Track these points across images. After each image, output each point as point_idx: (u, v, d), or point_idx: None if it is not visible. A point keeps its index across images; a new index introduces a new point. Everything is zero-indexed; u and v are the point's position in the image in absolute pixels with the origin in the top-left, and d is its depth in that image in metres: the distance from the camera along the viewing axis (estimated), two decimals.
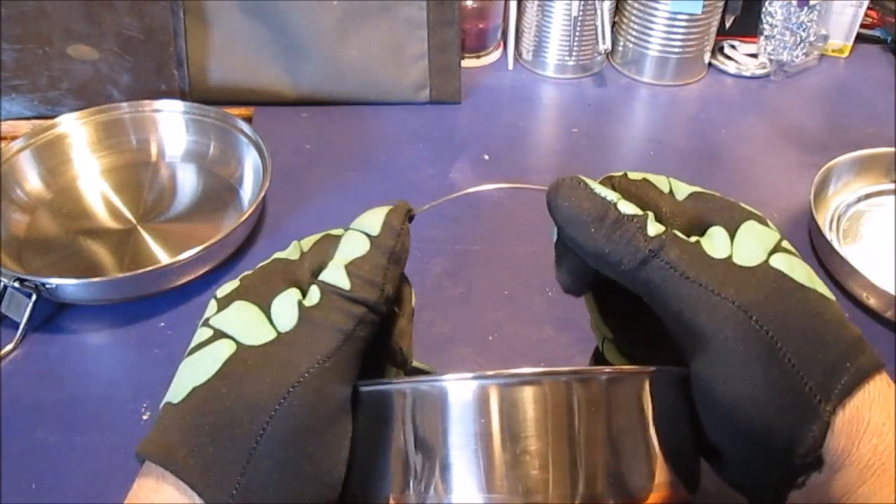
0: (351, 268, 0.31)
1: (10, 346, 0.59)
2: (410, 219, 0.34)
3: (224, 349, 0.29)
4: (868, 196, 0.74)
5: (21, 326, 0.59)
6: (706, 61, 0.96)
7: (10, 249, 0.66)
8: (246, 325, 0.30)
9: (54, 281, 0.58)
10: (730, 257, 0.30)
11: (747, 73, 0.96)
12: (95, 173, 0.76)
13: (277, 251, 0.34)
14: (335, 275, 0.31)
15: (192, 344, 0.31)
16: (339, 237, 0.33)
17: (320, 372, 0.29)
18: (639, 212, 0.31)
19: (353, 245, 0.32)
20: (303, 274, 0.32)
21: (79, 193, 0.74)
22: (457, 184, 0.77)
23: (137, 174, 0.76)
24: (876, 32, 1.02)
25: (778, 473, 0.30)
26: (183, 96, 0.83)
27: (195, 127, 0.77)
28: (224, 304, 0.31)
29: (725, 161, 0.82)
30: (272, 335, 0.29)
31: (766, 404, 0.29)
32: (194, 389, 0.29)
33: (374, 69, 0.85)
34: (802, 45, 0.93)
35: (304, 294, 0.31)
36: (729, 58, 0.97)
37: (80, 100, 0.80)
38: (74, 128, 0.75)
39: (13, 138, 0.73)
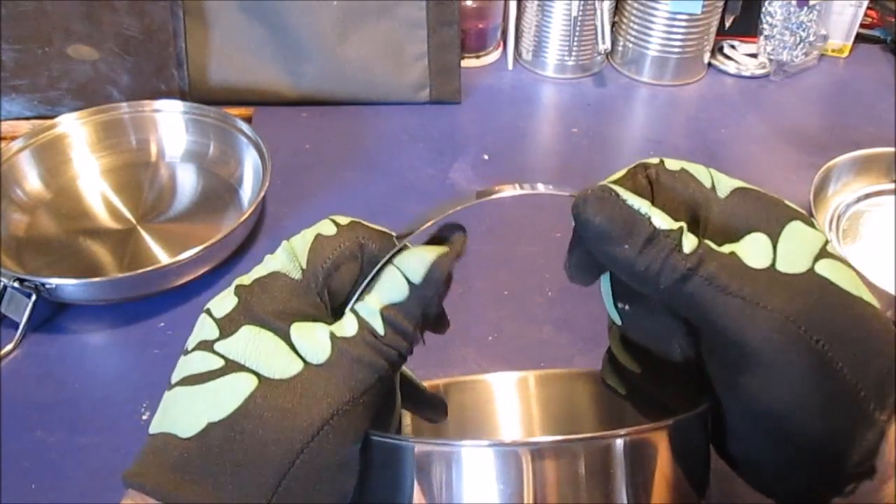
0: (386, 313, 0.30)
1: (10, 346, 0.59)
2: (459, 257, 0.33)
3: (244, 383, 0.28)
4: (868, 196, 0.74)
5: (21, 326, 0.59)
6: (706, 61, 0.96)
7: (10, 249, 0.66)
8: (267, 356, 0.28)
9: (54, 281, 0.58)
10: (772, 265, 0.29)
11: (747, 73, 0.96)
12: (95, 173, 0.76)
13: (269, 254, 0.32)
14: (370, 316, 0.30)
15: (194, 370, 0.29)
16: (332, 237, 0.32)
17: (353, 408, 0.28)
18: (674, 225, 0.30)
19: (392, 288, 0.30)
20: (310, 294, 0.30)
21: (79, 193, 0.74)
22: (457, 184, 0.77)
23: (137, 174, 0.76)
24: (876, 32, 1.02)
25: (825, 481, 0.30)
26: (183, 96, 0.83)
27: (195, 127, 0.77)
28: (229, 327, 0.29)
29: (725, 161, 0.82)
30: (299, 366, 0.28)
31: (819, 413, 0.28)
32: (211, 425, 0.27)
33: (374, 69, 0.85)
34: (802, 45, 0.93)
35: (323, 320, 0.30)
36: (729, 58, 0.97)
37: (79, 100, 0.80)
38: (74, 128, 0.75)
39: (13, 138, 0.73)
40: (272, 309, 0.29)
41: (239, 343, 0.28)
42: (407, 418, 0.42)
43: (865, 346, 0.28)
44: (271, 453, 0.27)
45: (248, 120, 0.81)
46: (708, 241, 0.30)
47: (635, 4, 0.90)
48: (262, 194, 0.67)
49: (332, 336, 0.29)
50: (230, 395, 0.27)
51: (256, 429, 0.27)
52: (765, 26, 0.93)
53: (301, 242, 0.32)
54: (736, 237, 0.31)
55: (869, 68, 0.99)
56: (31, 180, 0.73)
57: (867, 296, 0.30)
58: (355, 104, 0.87)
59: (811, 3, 0.90)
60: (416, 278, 0.31)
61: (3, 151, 0.71)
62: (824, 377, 0.28)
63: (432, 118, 0.86)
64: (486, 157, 0.81)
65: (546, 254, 0.68)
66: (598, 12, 0.89)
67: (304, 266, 0.31)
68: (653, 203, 0.31)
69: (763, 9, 0.92)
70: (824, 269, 0.29)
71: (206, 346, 0.29)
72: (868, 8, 0.97)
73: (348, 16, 0.83)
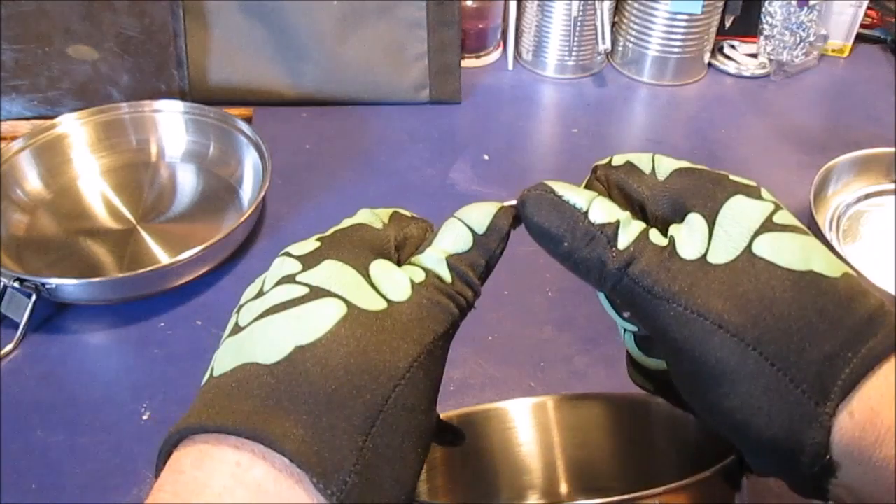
0: (451, 262, 0.29)
1: (10, 346, 0.59)
2: (516, 223, 0.32)
3: (334, 308, 0.26)
4: (868, 196, 0.74)
5: (21, 326, 0.59)
6: (706, 61, 0.96)
7: (10, 249, 0.66)
8: (353, 286, 0.27)
9: (54, 281, 0.58)
10: (705, 255, 0.28)
11: (747, 73, 0.96)
12: (95, 173, 0.76)
13: (347, 217, 0.31)
14: (437, 265, 0.29)
15: (275, 301, 0.27)
16: (410, 217, 0.32)
17: (434, 350, 0.27)
18: (611, 217, 0.29)
19: (456, 237, 0.30)
20: (389, 245, 0.30)
21: (79, 193, 0.74)
22: (457, 184, 0.77)
23: (137, 174, 0.76)
24: (876, 32, 1.02)
25: (801, 479, 0.27)
26: (183, 96, 0.83)
27: (195, 127, 0.77)
28: (311, 261, 0.28)
29: (725, 161, 0.82)
30: (383, 303, 0.27)
31: (764, 417, 0.26)
32: (298, 349, 0.25)
33: (374, 69, 0.85)
34: (802, 45, 0.93)
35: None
36: (729, 58, 0.97)
37: (80, 100, 0.80)
38: (74, 128, 0.75)
39: (13, 138, 0.73)
40: (352, 249, 0.29)
41: (323, 272, 0.27)
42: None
43: (804, 333, 0.26)
44: (366, 386, 0.25)
45: (248, 120, 0.81)
46: (653, 231, 0.29)
47: (635, 4, 0.90)
48: (262, 194, 0.67)
49: (411, 279, 0.28)
50: (319, 318, 0.25)
51: (349, 358, 0.25)
52: (765, 26, 0.93)
53: (382, 210, 0.32)
54: (679, 220, 0.29)
55: (869, 68, 0.99)
56: (31, 180, 0.73)
57: (819, 265, 0.27)
58: (355, 104, 0.87)
59: (811, 3, 0.90)
60: (480, 228, 0.30)
61: (3, 151, 0.71)
62: (757, 378, 0.26)
63: (432, 118, 0.86)
64: (486, 157, 0.81)
65: (546, 254, 0.68)
66: (599, 12, 0.89)
67: (386, 222, 0.31)
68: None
69: (763, 9, 0.92)
70: (763, 246, 0.28)
71: (288, 279, 0.27)
72: (868, 8, 0.97)
73: (348, 16, 0.83)
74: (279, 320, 0.26)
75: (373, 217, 0.31)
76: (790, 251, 0.28)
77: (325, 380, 0.24)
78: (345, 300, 0.26)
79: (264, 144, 0.71)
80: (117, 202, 0.73)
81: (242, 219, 0.64)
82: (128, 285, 0.61)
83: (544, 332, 0.62)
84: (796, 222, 0.29)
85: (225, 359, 0.26)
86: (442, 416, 0.39)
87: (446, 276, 0.29)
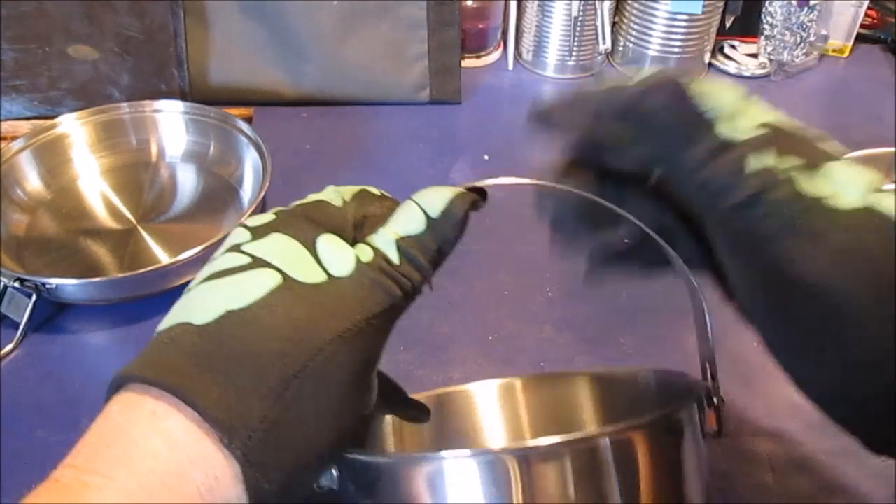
0: (402, 244, 0.30)
1: (10, 346, 0.59)
2: (476, 208, 0.32)
3: (268, 278, 0.27)
4: None
5: (21, 326, 0.59)
6: (706, 61, 0.96)
7: (10, 249, 0.66)
8: (293, 259, 0.28)
9: (54, 281, 0.58)
10: (833, 200, 0.28)
11: (747, 73, 0.96)
12: (95, 173, 0.76)
13: (312, 193, 0.32)
14: (386, 246, 0.30)
15: (219, 268, 0.28)
16: (378, 196, 0.33)
17: (367, 327, 0.28)
18: (743, 134, 0.28)
19: (409, 220, 0.30)
20: (346, 223, 0.31)
21: (79, 193, 0.74)
22: (457, 184, 0.77)
23: (137, 174, 0.76)
24: (876, 32, 1.02)
25: None
26: (183, 96, 0.83)
27: (195, 127, 0.77)
28: (261, 233, 0.29)
29: None
30: (323, 277, 0.28)
31: None
32: (229, 313, 0.26)
33: (374, 69, 0.85)
34: (802, 45, 0.93)
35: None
36: (729, 58, 0.97)
37: (80, 100, 0.80)
38: (74, 128, 0.75)
39: (13, 138, 0.73)
40: (306, 223, 0.30)
41: (267, 244, 0.28)
42: (390, 439, 0.42)
43: None
44: (286, 352, 0.26)
45: (249, 120, 0.81)
46: (791, 158, 0.28)
47: (635, 4, 0.90)
48: (262, 194, 0.67)
49: (357, 257, 0.29)
50: (253, 286, 0.27)
51: (275, 324, 0.26)
52: (765, 26, 0.93)
53: (347, 188, 0.33)
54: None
55: (869, 68, 0.99)
56: (32, 180, 0.73)
57: None
58: (355, 104, 0.87)
59: (811, 3, 0.90)
60: (435, 213, 0.31)
61: (4, 151, 0.71)
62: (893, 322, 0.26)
63: (432, 118, 0.86)
64: (486, 157, 0.81)
65: (546, 254, 0.68)
66: (599, 12, 0.89)
67: (347, 199, 0.32)
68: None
69: (763, 9, 0.92)
70: (883, 202, 0.28)
71: (235, 248, 0.29)
72: (868, 8, 0.97)
73: (349, 16, 0.83)
74: (217, 285, 0.28)
75: (335, 194, 0.32)
76: None
77: (248, 343, 0.26)
78: (281, 272, 0.27)
79: (264, 144, 0.71)
80: (117, 202, 0.73)
81: (242, 219, 0.64)
82: (128, 285, 0.61)
83: (544, 332, 0.62)
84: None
85: (168, 317, 0.28)
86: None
87: (394, 257, 0.29)
